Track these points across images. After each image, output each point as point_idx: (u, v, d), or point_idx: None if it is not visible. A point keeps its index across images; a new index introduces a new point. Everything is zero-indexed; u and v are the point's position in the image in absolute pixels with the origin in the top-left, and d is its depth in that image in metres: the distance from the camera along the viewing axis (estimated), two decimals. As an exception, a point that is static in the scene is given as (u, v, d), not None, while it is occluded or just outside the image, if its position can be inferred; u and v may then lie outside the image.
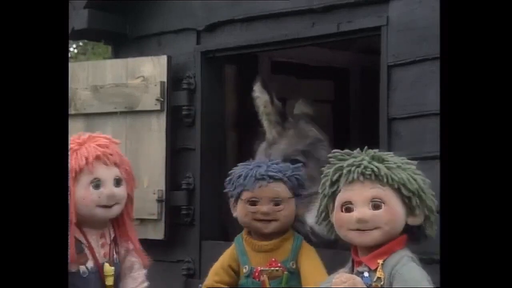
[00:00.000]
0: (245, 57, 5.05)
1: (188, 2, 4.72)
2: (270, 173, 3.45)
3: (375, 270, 2.90)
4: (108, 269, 3.36)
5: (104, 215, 3.37)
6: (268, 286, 3.39)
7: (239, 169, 3.55)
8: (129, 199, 3.50)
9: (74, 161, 3.30)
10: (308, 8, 4.19)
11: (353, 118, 5.81)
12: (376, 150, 3.08)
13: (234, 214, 3.57)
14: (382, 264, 2.89)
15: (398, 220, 2.95)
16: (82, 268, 3.32)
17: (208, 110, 4.67)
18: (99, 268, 3.34)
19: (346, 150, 3.10)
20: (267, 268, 3.41)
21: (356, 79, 5.90)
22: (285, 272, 3.41)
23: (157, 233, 4.59)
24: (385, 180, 2.93)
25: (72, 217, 3.27)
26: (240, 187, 3.47)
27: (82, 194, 3.31)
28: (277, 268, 3.41)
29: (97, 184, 3.34)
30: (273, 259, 3.42)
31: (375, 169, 2.95)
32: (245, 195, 3.46)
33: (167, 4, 4.82)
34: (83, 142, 3.39)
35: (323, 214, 3.14)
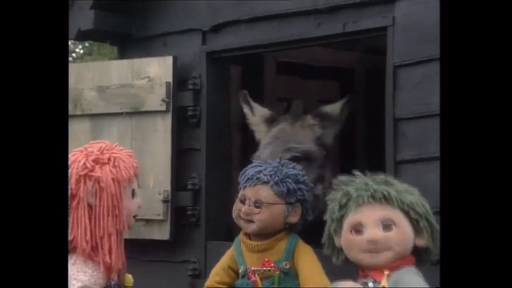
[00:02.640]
0: (251, 57, 5.05)
1: (193, 2, 4.72)
2: (259, 175, 3.46)
3: (380, 282, 2.94)
4: (128, 279, 3.40)
5: (132, 226, 3.44)
6: (260, 286, 3.40)
7: (249, 167, 3.58)
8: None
9: (124, 171, 3.33)
10: (313, 9, 4.19)
11: (359, 118, 5.80)
12: (381, 176, 3.14)
13: None
14: (388, 275, 2.92)
15: (408, 241, 3.04)
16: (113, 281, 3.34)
17: (214, 111, 4.67)
18: (121, 279, 3.36)
19: (350, 177, 3.17)
20: (259, 268, 3.42)
21: (361, 80, 5.90)
22: (277, 272, 3.41)
23: (162, 233, 4.60)
24: (395, 202, 3.02)
25: (125, 226, 3.31)
26: (240, 184, 3.53)
27: (126, 204, 3.35)
28: (269, 268, 3.42)
29: (133, 194, 3.41)
30: (266, 259, 3.43)
31: (385, 192, 3.03)
32: (240, 192, 3.51)
33: (172, 4, 4.82)
34: (117, 151, 3.43)
35: (331, 240, 3.21)
